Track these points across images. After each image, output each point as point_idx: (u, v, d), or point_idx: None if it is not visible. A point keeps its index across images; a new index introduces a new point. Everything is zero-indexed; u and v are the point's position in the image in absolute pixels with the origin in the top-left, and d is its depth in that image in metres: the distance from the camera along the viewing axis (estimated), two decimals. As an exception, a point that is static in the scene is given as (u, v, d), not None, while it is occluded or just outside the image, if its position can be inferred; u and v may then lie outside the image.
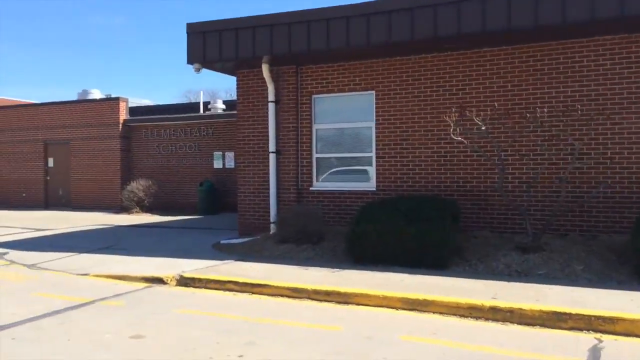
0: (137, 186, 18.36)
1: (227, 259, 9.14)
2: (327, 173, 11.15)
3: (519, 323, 5.78)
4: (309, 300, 6.82)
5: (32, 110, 21.77)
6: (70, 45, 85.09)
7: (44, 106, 21.50)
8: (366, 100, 10.65)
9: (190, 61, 10.98)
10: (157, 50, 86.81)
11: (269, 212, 11.26)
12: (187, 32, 10.87)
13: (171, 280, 7.78)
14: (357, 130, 10.83)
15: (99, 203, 20.11)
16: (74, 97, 21.59)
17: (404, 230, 8.03)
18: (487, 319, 5.93)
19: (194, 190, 18.95)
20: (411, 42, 9.25)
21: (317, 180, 11.12)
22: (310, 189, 11.06)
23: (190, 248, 10.55)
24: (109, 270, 8.51)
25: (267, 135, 11.28)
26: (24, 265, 9.37)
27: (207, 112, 19.60)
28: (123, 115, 20.00)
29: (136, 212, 18.26)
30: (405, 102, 10.15)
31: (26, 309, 6.45)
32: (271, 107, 11.16)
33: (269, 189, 11.26)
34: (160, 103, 26.37)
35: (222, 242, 11.06)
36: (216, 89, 66.33)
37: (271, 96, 11.15)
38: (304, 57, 10.66)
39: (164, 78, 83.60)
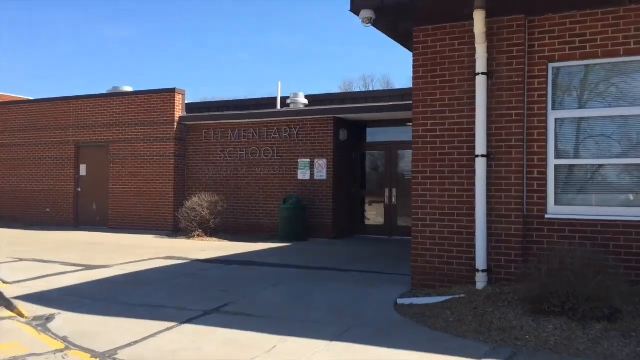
0: (200, 202, 14.09)
1: (483, 357, 4.83)
2: (575, 191, 6.85)
3: None
4: None
5: (61, 105, 17.56)
6: (82, 55, 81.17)
7: (76, 100, 17.30)
8: (662, 69, 6.39)
9: (356, 7, 6.77)
10: (161, 60, 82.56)
11: (470, 252, 6.96)
12: (355, -43, 6.67)
13: None
14: (638, 119, 6.53)
15: (146, 223, 15.84)
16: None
17: None
18: None
19: (271, 207, 14.68)
20: None
21: (555, 203, 6.80)
22: (546, 216, 6.74)
23: (363, 314, 6.27)
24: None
25: (470, 129, 7.02)
26: (91, 353, 5.10)
27: (287, 109, 15.37)
28: (179, 111, 15.78)
29: (198, 235, 13.98)
30: None
31: None
32: (481, 82, 6.89)
33: (471, 214, 6.97)
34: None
35: (399, 301, 6.79)
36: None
37: (481, 65, 6.89)
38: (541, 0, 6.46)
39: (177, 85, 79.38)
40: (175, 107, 15.66)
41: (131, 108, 16.25)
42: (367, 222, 15.07)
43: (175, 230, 15.21)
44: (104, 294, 7.31)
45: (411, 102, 13.50)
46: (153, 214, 15.80)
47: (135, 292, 7.43)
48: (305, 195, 14.24)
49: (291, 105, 15.64)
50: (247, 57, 79.90)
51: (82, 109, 17.08)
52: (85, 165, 17.21)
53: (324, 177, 14.18)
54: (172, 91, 15.71)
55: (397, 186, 14.50)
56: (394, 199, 14.46)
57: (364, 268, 9.22)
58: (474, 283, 6.85)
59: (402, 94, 15.67)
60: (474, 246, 6.92)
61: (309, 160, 14.38)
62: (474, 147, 6.97)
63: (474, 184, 6.95)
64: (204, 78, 78.17)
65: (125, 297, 7.18)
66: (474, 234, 6.93)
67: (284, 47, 78.33)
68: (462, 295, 6.62)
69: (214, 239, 13.84)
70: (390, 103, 13.70)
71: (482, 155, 6.85)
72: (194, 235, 13.98)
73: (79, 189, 17.22)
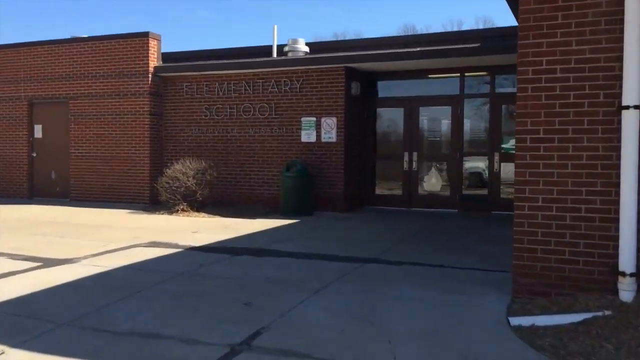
0: (184, 170, 11.66)
1: None
2: None
3: None
4: None
5: (9, 54, 14.62)
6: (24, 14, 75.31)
7: (28, 48, 14.39)
8: None
9: None
10: (117, 13, 77.45)
11: (607, 246, 4.84)
12: None
13: None
14: None
15: (117, 194, 13.33)
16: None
17: None
18: None
19: (268, 175, 12.36)
20: None
21: None
22: None
23: (475, 348, 4.09)
24: None
25: (610, 69, 4.81)
26: None
27: (287, 57, 12.87)
28: (154, 60, 13.12)
29: (182, 210, 11.60)
30: None
31: None
32: (635, -2, 4.65)
33: (609, 192, 4.83)
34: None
35: (512, 321, 4.64)
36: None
37: (637, -29, 4.63)
38: None
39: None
40: (150, 55, 12.98)
41: (95, 57, 13.49)
42: (379, 191, 12.89)
43: (153, 202, 12.78)
44: (72, 312, 4.94)
45: (451, 46, 11.30)
46: (125, 183, 13.27)
47: (116, 308, 5.08)
48: (311, 161, 11.94)
49: (289, 54, 13.13)
50: (210, 14, 75.41)
51: (35, 59, 14.21)
52: (41, 126, 14.46)
53: (333, 139, 11.87)
54: (145, 35, 13.00)
55: (418, 149, 12.31)
56: (414, 165, 12.29)
57: (418, 258, 7.05)
58: (615, 291, 4.76)
59: (418, 40, 13.32)
60: (613, 238, 4.80)
61: (314, 119, 12.02)
62: (616, 95, 4.77)
63: (616, 149, 4.78)
64: (169, 37, 73.69)
65: (103, 316, 4.84)
66: (613, 220, 4.80)
67: (247, 5, 74.16)
68: (607, 313, 4.53)
69: (203, 214, 11.49)
70: (423, 48, 11.37)
71: (634, 107, 4.65)
72: (177, 210, 11.59)
73: (34, 154, 14.50)
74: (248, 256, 7.24)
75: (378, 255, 7.23)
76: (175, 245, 7.97)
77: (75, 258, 7.10)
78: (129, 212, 11.87)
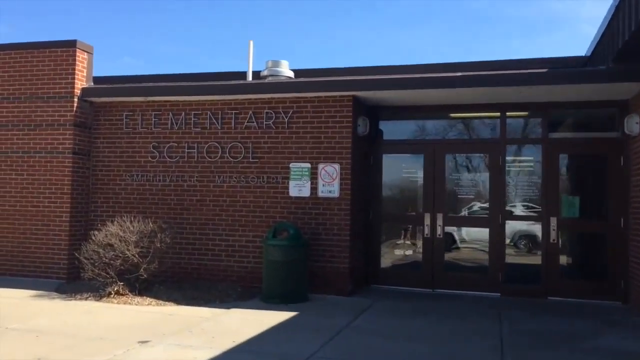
0: (123, 234, 8.00)
1: None
2: None
3: None
4: None
5: None
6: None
7: None
8: None
9: None
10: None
11: None
12: None
13: None
14: None
15: (18, 265, 9.37)
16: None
17: None
18: None
19: (242, 242, 8.90)
20: None
21: None
22: None
23: None
24: None
25: None
26: None
27: (272, 80, 9.58)
28: (82, 79, 9.52)
29: (118, 293, 7.89)
30: None
31: None
32: None
33: None
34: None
35: None
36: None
37: None
38: None
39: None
40: (76, 72, 9.39)
41: (2, 72, 9.74)
42: (385, 264, 9.66)
43: (72, 277, 8.97)
44: None
45: (516, 71, 8.14)
46: (32, 249, 9.34)
47: None
48: (303, 223, 8.61)
49: (269, 79, 9.89)
50: (134, 62, 70.89)
51: None
52: None
53: (335, 194, 8.62)
54: (71, 45, 9.41)
55: (443, 210, 9.24)
56: (438, 230, 9.18)
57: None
58: None
59: (433, 69, 10.47)
60: None
61: (308, 165, 8.76)
62: None
63: None
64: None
65: None
66: None
67: (167, 54, 70.27)
68: None
69: (149, 299, 7.81)
70: (465, 73, 8.48)
71: None
72: (110, 293, 7.85)
73: None
74: None
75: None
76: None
77: None
78: (34, 296, 7.98)
